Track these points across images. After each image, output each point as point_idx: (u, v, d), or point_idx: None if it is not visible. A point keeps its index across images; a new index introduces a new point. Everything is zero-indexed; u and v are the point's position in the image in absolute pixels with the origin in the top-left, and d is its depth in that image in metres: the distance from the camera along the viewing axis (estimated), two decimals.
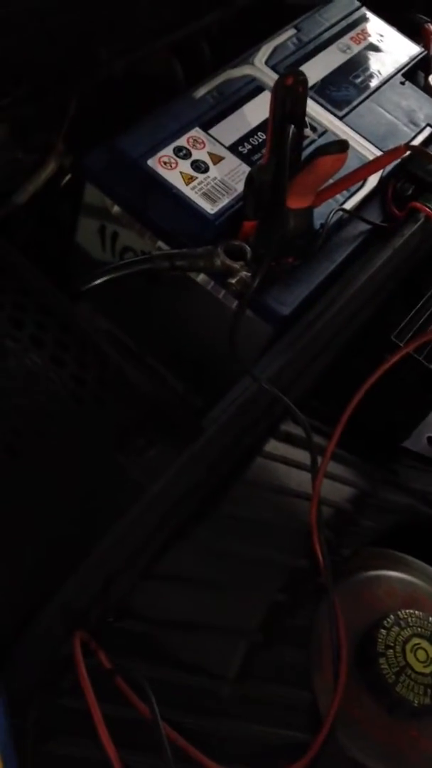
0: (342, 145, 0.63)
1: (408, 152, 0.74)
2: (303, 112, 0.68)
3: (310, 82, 0.87)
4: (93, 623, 0.55)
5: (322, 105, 0.86)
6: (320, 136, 0.83)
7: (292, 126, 0.63)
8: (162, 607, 0.59)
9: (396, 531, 0.72)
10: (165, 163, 0.76)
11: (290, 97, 0.66)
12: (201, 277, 0.75)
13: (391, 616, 0.63)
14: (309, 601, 0.63)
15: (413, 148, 0.75)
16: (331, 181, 0.74)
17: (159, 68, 0.87)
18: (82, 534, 0.58)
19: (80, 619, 0.54)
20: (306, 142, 0.81)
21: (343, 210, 0.78)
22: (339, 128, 0.85)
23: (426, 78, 0.94)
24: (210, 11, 0.90)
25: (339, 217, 0.78)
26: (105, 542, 0.56)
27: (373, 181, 0.81)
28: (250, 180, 0.72)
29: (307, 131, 0.77)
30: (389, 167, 0.82)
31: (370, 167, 0.75)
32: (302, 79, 0.66)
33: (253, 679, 0.59)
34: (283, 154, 0.63)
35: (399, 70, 0.93)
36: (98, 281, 0.70)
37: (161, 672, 0.57)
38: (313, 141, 0.82)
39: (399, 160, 0.80)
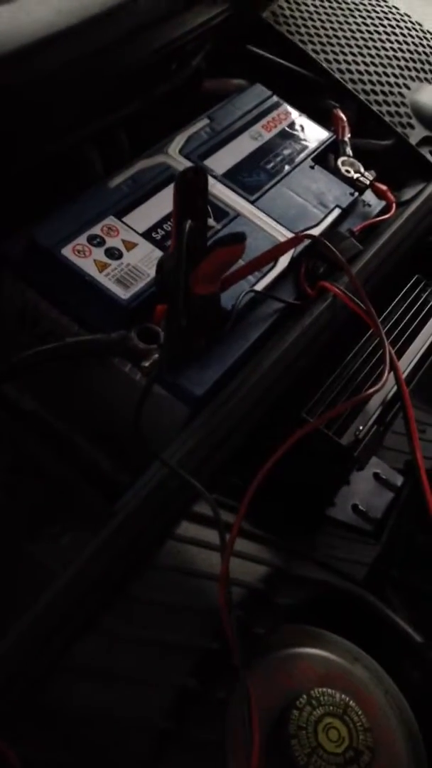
0: (237, 238, 0.66)
1: (307, 240, 0.77)
2: (204, 204, 0.71)
3: (223, 169, 0.92)
4: None
5: (234, 190, 0.90)
6: (232, 220, 0.87)
7: (189, 221, 0.66)
8: (71, 700, 0.59)
9: (312, 606, 0.73)
10: (79, 251, 0.78)
11: (191, 191, 0.69)
12: (118, 360, 0.77)
13: (304, 696, 0.63)
14: (222, 684, 0.63)
15: (311, 237, 0.78)
16: (242, 262, 0.78)
17: (77, 158, 0.90)
18: None
19: None
20: (217, 227, 0.85)
21: (254, 291, 0.81)
22: (251, 212, 0.89)
23: (335, 161, 0.99)
24: (128, 103, 0.94)
25: (250, 298, 0.81)
26: (9, 637, 0.56)
27: (283, 262, 0.85)
28: (159, 266, 0.74)
29: (211, 221, 0.80)
30: (299, 248, 0.86)
31: (270, 254, 0.79)
32: (202, 174, 0.69)
33: None
34: (181, 248, 0.66)
35: (309, 155, 0.98)
36: (9, 371, 0.72)
37: None
38: (225, 225, 0.86)
39: (306, 244, 0.84)
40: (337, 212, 0.93)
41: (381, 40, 1.19)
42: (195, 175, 0.68)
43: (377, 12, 1.23)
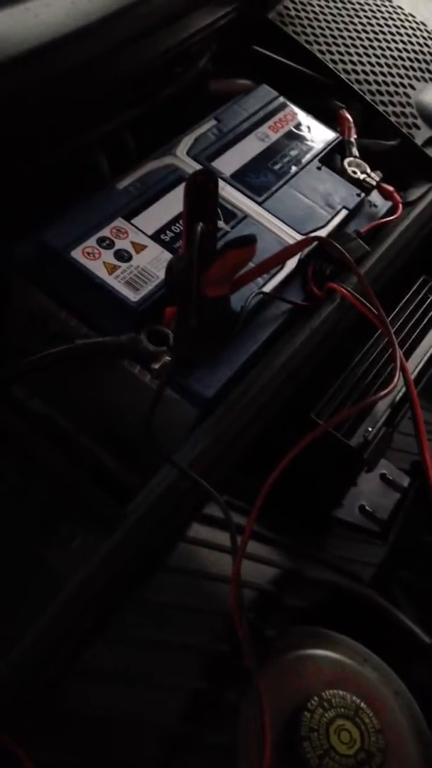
0: (248, 240, 0.66)
1: (315, 242, 0.77)
2: (215, 207, 0.71)
3: (230, 171, 0.92)
4: (10, 724, 0.55)
5: (241, 191, 0.90)
6: (240, 221, 0.87)
7: (201, 224, 0.66)
8: (83, 703, 0.59)
9: (323, 608, 0.73)
10: (88, 253, 0.78)
11: (201, 195, 0.69)
12: (127, 362, 0.77)
13: (315, 698, 0.64)
14: (233, 686, 0.63)
15: (320, 239, 0.79)
16: (251, 264, 0.78)
17: (84, 160, 0.90)
18: (3, 631, 0.58)
19: None
20: (226, 228, 0.85)
21: (262, 293, 0.81)
22: (258, 213, 0.89)
23: (342, 162, 0.99)
24: (135, 106, 0.94)
25: (259, 300, 0.81)
26: (24, 642, 0.56)
27: (291, 263, 0.85)
28: (169, 269, 0.74)
29: (221, 223, 0.80)
30: (307, 249, 0.86)
31: (279, 256, 0.79)
32: (213, 178, 0.69)
33: None
34: (192, 251, 0.66)
35: (316, 156, 0.98)
36: (18, 373, 0.72)
37: None
38: (234, 226, 0.86)
39: (314, 245, 0.84)
40: (344, 213, 0.93)
41: (386, 41, 1.19)
42: (205, 177, 0.68)
43: (382, 12, 1.23)
